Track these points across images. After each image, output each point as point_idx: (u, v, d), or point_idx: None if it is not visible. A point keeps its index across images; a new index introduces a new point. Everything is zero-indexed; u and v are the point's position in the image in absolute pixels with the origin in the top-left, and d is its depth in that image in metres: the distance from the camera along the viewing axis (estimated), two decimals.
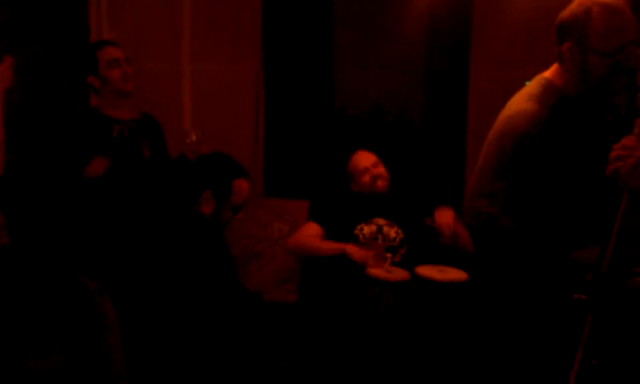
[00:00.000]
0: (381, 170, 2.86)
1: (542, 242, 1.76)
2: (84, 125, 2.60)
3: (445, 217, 2.67)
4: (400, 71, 3.80)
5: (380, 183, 2.83)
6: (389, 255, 2.65)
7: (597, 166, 1.61)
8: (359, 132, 3.72)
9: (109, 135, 2.60)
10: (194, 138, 2.71)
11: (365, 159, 2.89)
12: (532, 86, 1.84)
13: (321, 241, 2.74)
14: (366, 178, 2.84)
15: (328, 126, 3.79)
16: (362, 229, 2.76)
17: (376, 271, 2.53)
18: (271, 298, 3.12)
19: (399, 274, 2.52)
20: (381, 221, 2.78)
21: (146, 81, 3.10)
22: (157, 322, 2.07)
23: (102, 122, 2.61)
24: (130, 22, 3.39)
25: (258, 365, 2.34)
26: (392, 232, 2.76)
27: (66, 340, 2.46)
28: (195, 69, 3.49)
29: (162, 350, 2.06)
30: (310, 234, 2.76)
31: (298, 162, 3.76)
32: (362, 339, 2.41)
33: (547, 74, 1.84)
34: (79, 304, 2.49)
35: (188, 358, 2.06)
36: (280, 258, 3.22)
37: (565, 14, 1.77)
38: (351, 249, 2.64)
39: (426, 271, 2.52)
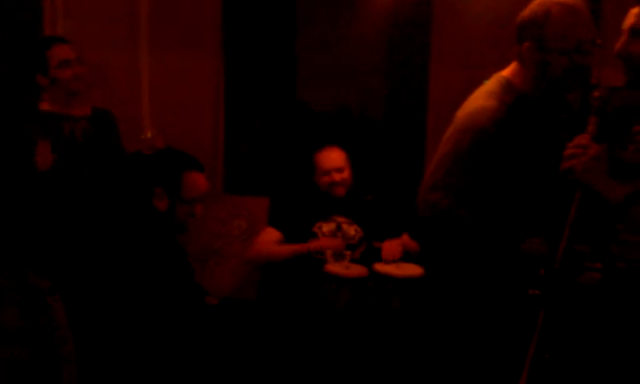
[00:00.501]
0: (344, 175, 2.80)
1: (496, 236, 1.78)
2: (32, 123, 2.52)
3: (391, 247, 2.65)
4: (362, 69, 3.81)
5: (338, 190, 2.80)
6: (348, 252, 2.65)
7: (552, 163, 1.64)
8: (325, 129, 3.71)
9: (59, 133, 2.53)
10: (148, 134, 2.66)
11: (332, 160, 2.82)
12: (491, 84, 1.86)
13: (279, 245, 2.72)
14: (326, 180, 2.81)
15: (290, 123, 3.77)
16: (320, 226, 2.76)
17: (334, 267, 2.53)
18: (230, 296, 3.08)
19: (357, 270, 2.53)
20: (340, 218, 2.78)
21: (102, 74, 3.03)
22: (110, 320, 2.02)
23: (51, 120, 2.53)
24: (86, 12, 3.29)
25: (215, 363, 2.31)
26: (351, 230, 2.76)
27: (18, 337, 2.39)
28: (153, 62, 3.42)
29: (115, 348, 2.01)
30: (269, 240, 2.73)
31: (259, 158, 3.73)
32: (320, 335, 2.41)
33: (506, 72, 1.87)
34: (29, 303, 2.42)
35: (141, 356, 2.02)
36: (239, 256, 3.18)
37: (525, 13, 1.79)
38: (310, 245, 2.63)
39: (384, 267, 2.54)
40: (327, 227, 2.76)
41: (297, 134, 3.72)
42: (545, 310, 1.31)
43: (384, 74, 3.86)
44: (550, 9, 1.73)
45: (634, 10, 1.56)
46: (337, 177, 2.79)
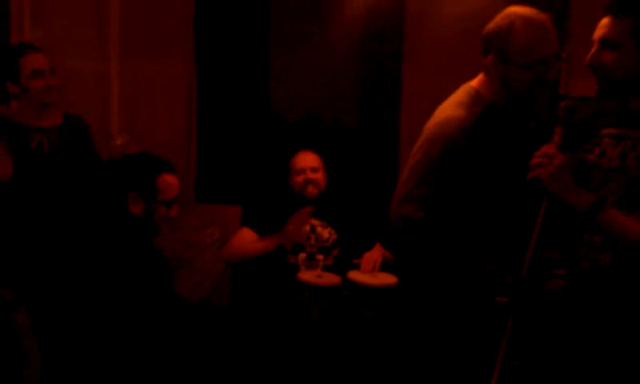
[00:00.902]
0: (317, 176, 2.82)
1: (466, 247, 1.80)
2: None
3: (370, 260, 2.65)
4: (335, 77, 3.82)
5: (310, 189, 2.80)
6: (321, 256, 2.64)
7: (520, 173, 1.66)
8: (295, 137, 3.70)
9: (26, 145, 2.47)
10: (119, 141, 2.62)
11: (306, 160, 2.85)
12: (460, 94, 1.87)
13: (256, 242, 2.70)
14: (300, 179, 2.82)
15: (263, 131, 3.75)
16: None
17: (307, 276, 2.52)
18: (202, 304, 3.05)
19: (330, 278, 2.52)
20: (314, 221, 2.78)
21: (71, 80, 2.97)
22: (81, 329, 1.98)
23: (19, 132, 2.48)
24: (54, 18, 3.24)
25: (190, 372, 2.28)
26: (325, 232, 2.76)
27: None
28: (124, 68, 3.37)
29: (86, 357, 1.97)
30: (245, 238, 2.72)
31: (232, 167, 3.70)
32: (293, 344, 2.39)
33: (474, 82, 1.88)
34: None
35: (114, 367, 1.98)
36: (211, 264, 3.15)
37: (490, 25, 1.80)
38: (281, 236, 2.62)
39: (357, 276, 2.53)
40: None
41: (270, 141, 3.70)
42: (513, 317, 1.32)
43: (357, 82, 3.87)
44: (514, 22, 1.74)
45: (604, 21, 1.58)
46: (311, 175, 2.80)
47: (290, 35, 3.74)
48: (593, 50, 1.59)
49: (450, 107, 1.84)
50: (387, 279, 2.52)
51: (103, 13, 3.34)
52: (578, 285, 1.62)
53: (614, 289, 1.56)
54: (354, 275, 2.55)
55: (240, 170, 3.69)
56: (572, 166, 1.55)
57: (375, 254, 2.65)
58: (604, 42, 1.56)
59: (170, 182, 2.14)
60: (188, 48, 3.41)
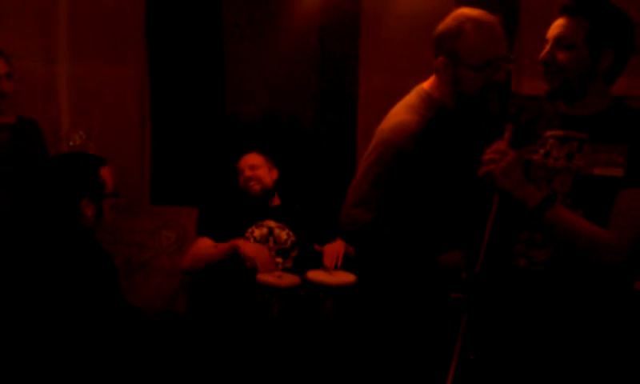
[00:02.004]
0: (256, 172, 2.82)
1: (418, 246, 1.82)
2: None
3: (332, 251, 2.65)
4: (291, 76, 3.81)
5: (252, 187, 2.80)
6: (280, 259, 2.63)
7: (471, 174, 1.69)
8: (250, 136, 3.68)
9: None
10: (77, 141, 2.55)
11: (246, 159, 2.87)
12: (411, 98, 1.88)
13: (212, 248, 2.68)
14: (241, 180, 2.84)
15: (218, 131, 3.71)
16: (252, 232, 2.73)
17: (266, 277, 2.50)
18: (158, 309, 2.99)
19: (289, 279, 2.51)
20: (272, 223, 2.76)
21: (18, 85, 2.87)
22: (24, 339, 1.91)
23: None
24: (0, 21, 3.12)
25: (144, 379, 2.23)
26: (283, 234, 2.75)
27: None
28: (72, 69, 3.28)
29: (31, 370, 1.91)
30: (201, 247, 2.69)
31: (187, 168, 3.65)
32: (252, 346, 2.38)
33: (426, 85, 1.89)
34: None
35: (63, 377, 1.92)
36: (167, 268, 3.09)
37: (441, 27, 1.82)
38: (243, 244, 2.60)
39: (316, 275, 2.53)
40: (259, 232, 2.73)
41: (225, 143, 3.67)
42: (467, 313, 1.34)
43: (314, 81, 3.87)
44: (463, 24, 1.76)
45: (560, 21, 1.61)
46: (248, 172, 2.80)
47: (245, 34, 3.70)
48: (547, 48, 1.61)
49: (402, 111, 1.85)
50: (346, 278, 2.52)
51: (50, 13, 3.24)
52: (515, 282, 1.66)
53: (552, 286, 1.60)
54: (313, 275, 2.55)
55: (195, 171, 3.64)
56: (522, 163, 1.59)
57: (337, 246, 2.66)
58: (559, 40, 1.58)
59: (108, 173, 2.11)
60: (139, 48, 3.35)
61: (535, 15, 2.89)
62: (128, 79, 3.34)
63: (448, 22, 1.81)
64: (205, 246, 2.70)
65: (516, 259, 1.65)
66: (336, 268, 2.60)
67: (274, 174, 2.89)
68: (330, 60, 3.78)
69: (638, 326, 1.67)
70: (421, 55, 2.11)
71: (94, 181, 2.06)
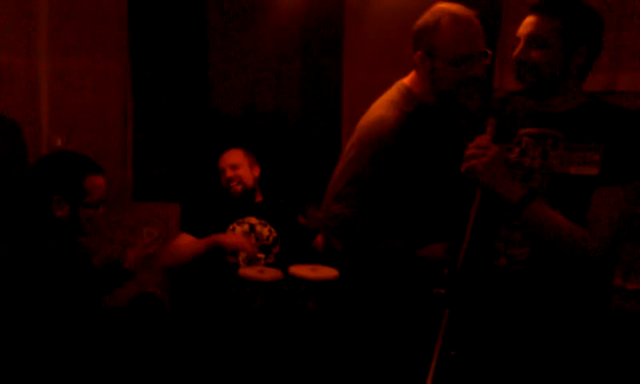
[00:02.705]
0: (238, 172, 2.79)
1: (398, 243, 1.82)
2: None
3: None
4: (275, 71, 3.79)
5: (234, 187, 2.78)
6: (262, 255, 2.62)
7: (453, 170, 1.69)
8: (234, 132, 3.65)
9: None
10: (59, 142, 2.51)
11: (227, 158, 2.83)
12: (392, 93, 1.88)
13: (193, 244, 2.66)
14: (222, 179, 2.82)
15: (202, 127, 3.68)
16: (234, 228, 2.72)
17: (248, 271, 2.49)
18: (140, 306, 2.96)
19: (271, 273, 2.50)
20: (253, 220, 2.75)
21: None
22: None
23: None
24: None
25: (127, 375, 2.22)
26: (265, 231, 2.73)
27: None
28: (53, 65, 3.23)
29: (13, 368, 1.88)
30: (182, 244, 2.67)
31: (170, 164, 3.62)
32: (235, 341, 2.37)
33: (406, 80, 1.89)
34: None
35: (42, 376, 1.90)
36: (150, 264, 3.06)
37: (419, 21, 1.82)
38: (224, 237, 2.58)
39: (299, 270, 2.52)
40: (241, 229, 2.72)
41: (209, 138, 3.64)
42: (449, 309, 1.34)
43: (298, 76, 3.85)
44: (440, 18, 1.76)
45: (532, 19, 1.60)
46: (229, 173, 2.78)
47: (229, 29, 3.68)
48: (520, 46, 1.60)
49: (382, 106, 1.85)
50: (328, 273, 2.52)
51: (31, 6, 3.19)
52: (496, 281, 1.66)
53: (532, 285, 1.60)
54: (295, 270, 2.54)
55: (178, 167, 3.61)
56: (504, 159, 1.59)
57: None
58: (532, 38, 1.58)
59: (97, 183, 2.03)
60: (121, 43, 3.31)
61: (518, 10, 2.89)
62: (110, 73, 3.30)
63: (426, 16, 1.81)
64: (185, 242, 2.68)
65: (496, 258, 1.65)
66: (319, 262, 2.60)
67: (256, 171, 2.86)
68: (314, 55, 3.77)
69: (616, 323, 1.69)
70: (405, 50, 2.10)
71: (70, 180, 1.99)
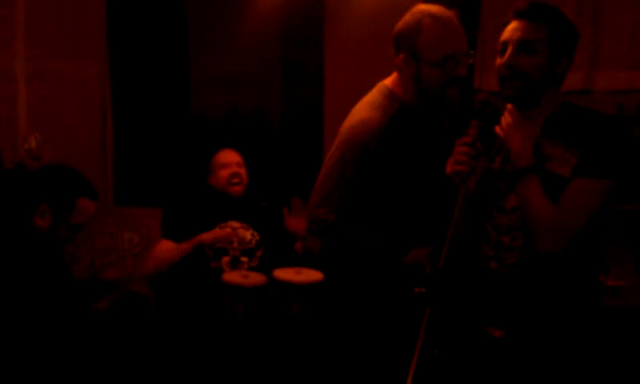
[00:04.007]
0: (242, 171, 2.79)
1: (382, 246, 1.82)
2: None
3: (298, 222, 2.66)
4: (256, 73, 3.78)
5: (236, 187, 2.76)
6: (245, 259, 2.60)
7: (435, 171, 1.70)
8: (216, 135, 3.63)
9: None
10: (32, 143, 2.48)
11: (229, 156, 2.82)
12: (373, 95, 1.88)
13: (175, 249, 2.63)
14: (225, 173, 2.76)
15: (183, 129, 3.65)
16: None
17: (231, 277, 2.47)
18: (122, 313, 2.93)
19: (255, 278, 2.48)
20: (235, 223, 2.73)
21: None
22: None
23: None
24: None
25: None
26: (247, 234, 2.71)
27: None
28: (31, 67, 3.19)
29: None
30: (164, 250, 2.64)
31: (152, 168, 3.58)
32: (219, 347, 2.35)
33: (388, 82, 1.89)
34: None
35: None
36: (131, 270, 3.03)
37: (400, 24, 1.82)
38: (205, 235, 2.57)
39: (283, 274, 2.51)
40: None
41: (190, 141, 3.61)
42: (430, 307, 1.35)
43: (279, 79, 3.85)
44: (422, 20, 1.76)
45: (519, 24, 1.56)
46: (236, 169, 2.76)
47: (209, 30, 3.66)
48: (509, 50, 1.57)
49: (364, 109, 1.85)
50: (313, 276, 2.51)
51: (8, 6, 3.14)
52: (487, 283, 1.67)
53: (524, 286, 1.61)
54: (279, 273, 2.52)
55: (160, 171, 3.57)
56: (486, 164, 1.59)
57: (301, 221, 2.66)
58: (522, 44, 1.56)
59: (87, 207, 2.05)
60: (100, 43, 3.27)
61: (496, 11, 2.92)
62: (88, 75, 3.27)
63: (406, 19, 1.81)
64: (167, 248, 2.65)
65: (487, 262, 1.66)
66: (303, 265, 2.59)
67: (247, 177, 2.85)
68: (295, 58, 3.77)
69: (604, 319, 1.71)
70: (386, 53, 2.11)
71: (65, 194, 2.00)
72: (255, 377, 2.31)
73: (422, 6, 1.82)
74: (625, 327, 2.31)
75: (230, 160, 2.79)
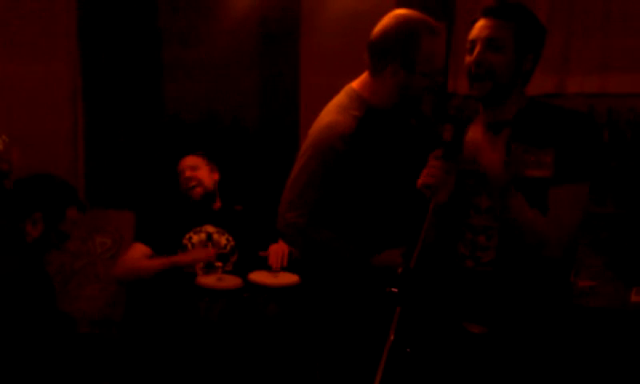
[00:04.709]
0: (197, 174, 2.75)
1: (352, 249, 1.83)
2: None
3: (277, 251, 2.63)
4: (231, 76, 3.75)
5: (194, 190, 2.73)
6: (220, 264, 2.58)
7: (404, 171, 1.70)
8: (191, 138, 3.59)
9: None
10: (0, 146, 2.42)
11: (187, 160, 2.79)
12: (341, 98, 1.87)
13: (148, 260, 2.59)
14: (181, 181, 2.76)
15: (157, 132, 3.60)
16: (190, 238, 2.66)
17: (206, 280, 2.45)
18: (95, 319, 2.88)
19: (231, 281, 2.47)
20: (210, 228, 2.70)
21: None
22: None
23: None
24: None
25: None
26: (223, 239, 2.69)
27: None
28: (1, 69, 3.11)
29: None
30: (137, 255, 2.60)
31: (124, 170, 3.52)
32: (193, 351, 2.32)
33: (355, 84, 1.88)
34: None
35: None
36: (103, 275, 2.97)
37: (387, 31, 1.79)
38: (180, 257, 2.53)
39: (259, 277, 2.50)
40: (197, 238, 2.67)
41: (165, 144, 3.57)
42: (401, 307, 1.35)
43: (255, 81, 3.82)
44: (420, 33, 1.76)
45: (486, 22, 1.57)
46: (188, 173, 2.73)
47: (182, 31, 3.62)
48: (477, 48, 1.58)
49: (332, 112, 1.84)
50: (288, 279, 2.50)
51: None
52: (463, 282, 1.68)
53: (499, 284, 1.62)
54: (255, 276, 2.51)
55: (133, 174, 3.51)
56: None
57: (282, 246, 2.63)
58: (489, 42, 1.57)
59: (75, 218, 2.11)
60: (71, 44, 3.21)
61: (471, 13, 2.94)
62: (58, 76, 3.20)
63: (395, 27, 1.78)
64: (139, 255, 2.60)
65: (463, 262, 1.67)
66: (280, 269, 2.58)
67: (215, 176, 2.82)
68: (271, 61, 3.75)
69: (574, 319, 1.73)
70: (362, 55, 2.10)
71: (58, 203, 2.05)
72: (231, 379, 2.30)
73: (409, 14, 1.80)
74: (595, 327, 2.34)
75: (184, 165, 2.77)
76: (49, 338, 1.98)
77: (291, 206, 1.82)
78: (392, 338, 1.32)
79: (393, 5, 1.93)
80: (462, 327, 1.64)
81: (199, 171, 2.76)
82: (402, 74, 1.78)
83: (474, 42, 1.60)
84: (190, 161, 2.79)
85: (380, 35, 1.80)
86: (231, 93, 3.75)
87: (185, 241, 2.65)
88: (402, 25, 1.78)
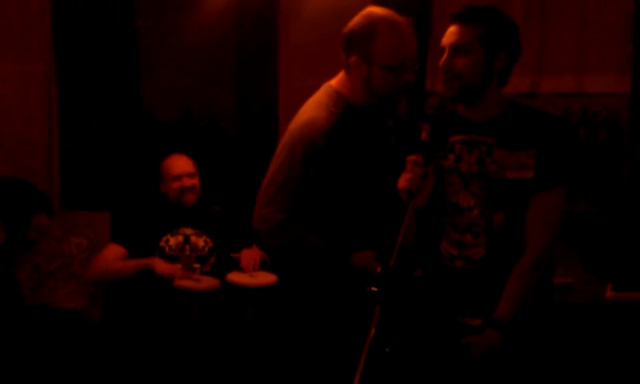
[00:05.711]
0: (194, 181, 2.70)
1: (329, 246, 1.83)
2: None
3: (249, 256, 2.60)
4: (208, 74, 3.73)
5: (190, 197, 2.68)
6: (198, 265, 2.56)
7: (381, 170, 1.70)
8: (168, 138, 3.56)
9: None
10: None
11: (181, 165, 2.70)
12: (319, 95, 1.89)
13: (121, 262, 2.55)
14: (176, 186, 2.67)
15: (134, 132, 3.57)
16: (167, 240, 2.63)
17: (184, 282, 2.42)
18: (72, 319, 2.84)
19: (208, 282, 2.45)
20: (188, 230, 2.67)
21: None
22: None
23: None
24: None
25: None
26: (200, 241, 2.66)
27: None
28: None
29: None
30: (110, 258, 2.55)
31: (100, 170, 3.48)
32: (171, 353, 2.30)
33: (334, 82, 1.90)
34: None
35: None
36: (80, 276, 2.93)
37: (353, 26, 1.82)
38: (157, 263, 2.50)
39: (236, 277, 2.48)
40: (174, 240, 2.63)
41: (141, 143, 3.53)
42: (381, 306, 1.36)
43: (232, 80, 3.81)
44: (377, 25, 1.78)
45: (453, 28, 1.64)
46: (187, 182, 2.68)
47: (159, 30, 3.59)
48: (445, 55, 1.65)
49: (310, 108, 1.85)
50: (266, 279, 2.49)
51: None
52: (451, 281, 1.70)
53: (488, 281, 1.65)
54: (233, 277, 2.49)
55: (109, 173, 3.47)
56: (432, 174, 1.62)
57: (255, 252, 2.62)
58: (456, 47, 1.63)
59: (42, 224, 2.00)
60: (45, 44, 3.17)
61: (448, 15, 2.97)
62: (32, 76, 3.16)
63: (359, 21, 1.81)
64: (114, 256, 2.55)
65: (451, 262, 1.68)
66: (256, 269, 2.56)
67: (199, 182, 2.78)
68: (249, 60, 3.74)
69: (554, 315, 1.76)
70: (340, 52, 2.11)
71: (21, 214, 1.95)
72: (210, 379, 2.28)
73: (375, 10, 1.83)
74: (573, 322, 2.38)
75: (181, 171, 2.68)
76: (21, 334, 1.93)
77: (269, 202, 1.82)
78: (372, 336, 1.33)
79: (370, 5, 1.94)
80: (457, 320, 1.67)
81: (196, 178, 2.71)
82: (364, 67, 1.80)
83: (443, 49, 1.67)
84: (187, 167, 2.70)
85: (346, 30, 1.84)
86: (208, 92, 3.74)
87: (162, 243, 2.62)
88: (362, 18, 1.81)
